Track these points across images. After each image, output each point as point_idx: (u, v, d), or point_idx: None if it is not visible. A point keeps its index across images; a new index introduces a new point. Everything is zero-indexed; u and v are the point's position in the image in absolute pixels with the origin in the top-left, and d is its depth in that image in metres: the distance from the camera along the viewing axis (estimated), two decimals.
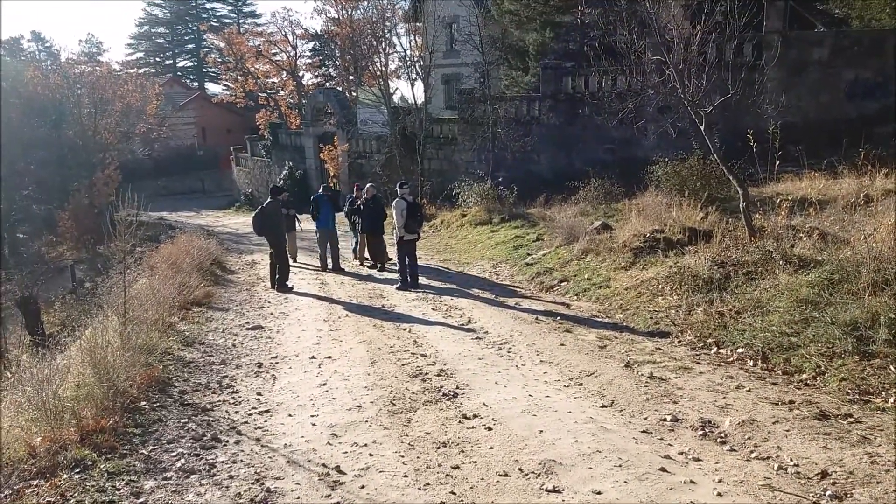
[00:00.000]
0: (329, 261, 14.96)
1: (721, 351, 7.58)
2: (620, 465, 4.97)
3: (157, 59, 68.25)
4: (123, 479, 5.03)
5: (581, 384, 6.87)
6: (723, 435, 5.43)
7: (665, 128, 14.00)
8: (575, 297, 10.87)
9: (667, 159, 14.62)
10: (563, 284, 11.69)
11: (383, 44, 25.56)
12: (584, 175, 16.71)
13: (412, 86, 23.49)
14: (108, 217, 25.92)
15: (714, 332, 7.99)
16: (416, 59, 24.17)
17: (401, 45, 26.58)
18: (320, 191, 15.50)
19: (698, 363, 7.25)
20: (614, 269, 11.30)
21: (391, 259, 14.51)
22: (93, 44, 39.34)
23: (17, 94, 30.26)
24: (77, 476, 5.03)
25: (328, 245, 14.95)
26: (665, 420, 5.78)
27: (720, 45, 13.01)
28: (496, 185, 18.21)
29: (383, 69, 25.37)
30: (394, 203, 12.56)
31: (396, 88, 34.16)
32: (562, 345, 8.28)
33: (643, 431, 5.59)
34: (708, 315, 8.39)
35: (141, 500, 4.74)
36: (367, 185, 15.41)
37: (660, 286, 9.84)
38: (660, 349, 7.85)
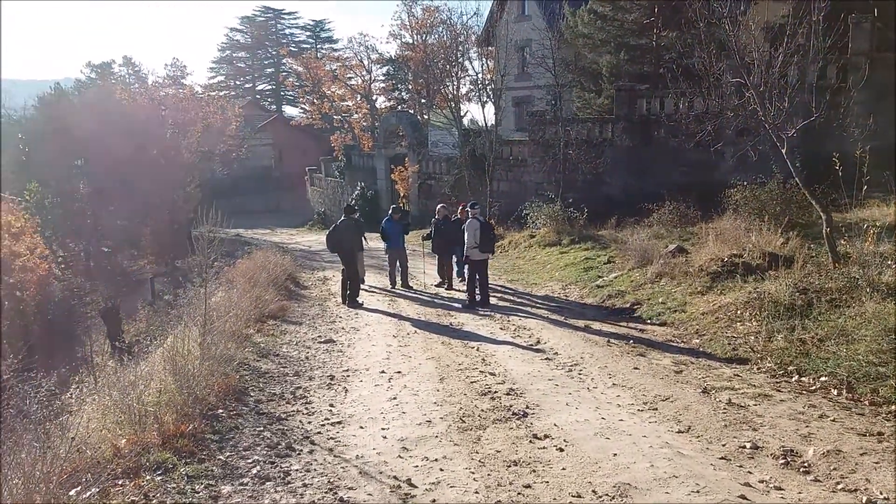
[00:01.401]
0: (398, 278, 15.15)
1: (803, 379, 7.27)
2: (698, 491, 4.80)
3: (238, 83, 71.02)
4: (202, 483, 5.17)
5: (656, 409, 6.71)
6: (806, 464, 5.20)
7: (744, 151, 13.63)
8: (648, 321, 10.65)
9: (745, 183, 14.20)
10: (635, 308, 11.48)
11: (456, 68, 25.88)
12: (657, 198, 16.41)
13: (483, 108, 23.66)
14: (188, 233, 26.96)
15: (795, 359, 7.68)
16: (487, 82, 24.36)
17: (472, 68, 26.87)
18: (389, 212, 15.65)
19: (779, 391, 6.97)
20: (690, 294, 11.04)
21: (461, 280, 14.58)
22: (178, 67, 41.24)
23: (109, 115, 31.95)
24: (159, 478, 5.20)
25: (397, 263, 15.14)
26: (744, 447, 5.57)
27: (802, 67, 12.62)
28: (566, 207, 18.08)
29: (455, 92, 25.66)
30: (467, 223, 12.67)
31: (467, 111, 34.50)
32: (635, 368, 8.11)
33: (721, 458, 5.41)
34: (789, 342, 8.07)
35: (219, 503, 4.86)
36: (439, 205, 15.59)
37: (738, 312, 9.54)
38: (738, 375, 7.60)
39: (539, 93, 26.24)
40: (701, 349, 8.86)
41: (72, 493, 4.76)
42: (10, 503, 4.01)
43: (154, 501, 4.87)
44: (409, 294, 14.44)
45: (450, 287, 14.53)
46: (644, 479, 5.06)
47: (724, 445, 5.68)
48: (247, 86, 70.74)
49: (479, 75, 25.37)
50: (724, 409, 6.53)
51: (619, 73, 22.62)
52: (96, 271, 29.50)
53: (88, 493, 4.88)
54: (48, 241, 27.38)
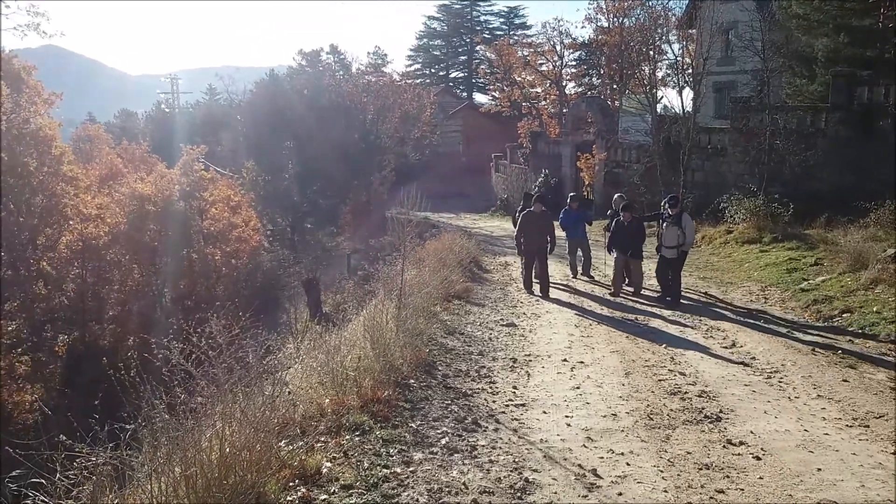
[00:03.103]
0: (579, 268, 14.95)
1: None
2: None
3: (433, 70, 73.37)
4: (395, 448, 5.50)
5: (867, 426, 6.10)
6: None
7: None
8: (860, 331, 9.65)
9: None
10: (845, 315, 10.45)
11: (653, 51, 24.85)
12: (876, 196, 14.78)
13: (680, 93, 22.40)
14: (383, 213, 28.50)
15: None
16: (686, 66, 23.12)
17: (671, 51, 25.51)
18: (569, 201, 15.27)
19: None
20: None
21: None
22: (379, 55, 43.56)
23: (316, 101, 34.55)
24: (357, 438, 5.61)
25: (578, 252, 14.91)
26: None
27: None
28: (770, 202, 16.77)
29: (650, 77, 24.66)
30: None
31: (662, 97, 32.96)
32: (844, 381, 7.40)
33: None
34: None
35: (411, 468, 5.14)
36: (616, 196, 14.77)
37: None
38: None
39: (744, 78, 24.51)
40: None
41: (283, 443, 5.28)
42: (230, 447, 4.50)
43: (353, 459, 5.25)
44: (591, 285, 14.20)
45: (636, 293, 13.08)
46: (853, 498, 4.66)
47: None
48: (441, 73, 72.87)
49: (679, 59, 24.16)
50: None
51: (836, 57, 20.46)
52: (300, 245, 32.19)
53: (296, 446, 5.38)
54: (260, 215, 30.19)
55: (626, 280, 13.36)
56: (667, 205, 12.30)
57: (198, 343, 4.78)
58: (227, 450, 4.31)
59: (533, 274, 13.51)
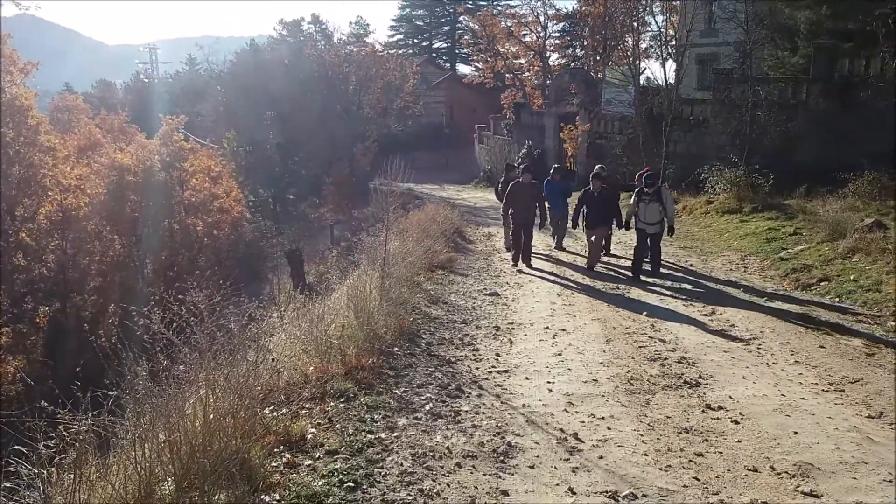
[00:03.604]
0: (555, 239, 15.00)
1: None
2: (891, 481, 4.44)
3: (416, 41, 72.55)
4: (380, 413, 5.54)
5: (843, 391, 6.24)
6: None
7: None
8: (837, 299, 9.82)
9: None
10: (823, 284, 10.62)
11: (637, 22, 24.74)
12: (855, 167, 14.93)
13: (663, 65, 22.41)
14: (366, 184, 28.35)
15: None
16: (670, 37, 23.08)
17: (655, 23, 25.43)
18: (552, 172, 15.19)
19: None
20: (887, 273, 10.07)
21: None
22: (361, 25, 42.95)
23: (298, 71, 34.11)
24: (342, 405, 5.64)
25: (557, 224, 14.91)
26: None
27: None
28: (750, 172, 16.88)
29: (634, 48, 24.57)
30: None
31: (645, 68, 32.95)
32: (821, 347, 7.55)
33: None
34: None
35: (395, 434, 5.19)
36: (596, 167, 14.08)
37: None
38: None
39: (726, 50, 24.48)
40: None
41: (267, 410, 5.30)
42: (214, 413, 4.51)
43: (337, 425, 5.28)
44: (574, 256, 14.27)
45: (591, 265, 12.68)
46: (828, 461, 4.76)
47: None
48: (423, 44, 72.10)
49: (662, 30, 24.08)
50: None
51: (818, 30, 20.48)
52: (282, 216, 32.01)
53: (280, 413, 5.41)
54: (241, 186, 29.91)
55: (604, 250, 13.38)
56: (644, 182, 11.87)
57: (179, 311, 4.76)
58: (211, 416, 4.31)
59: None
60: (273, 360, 5.64)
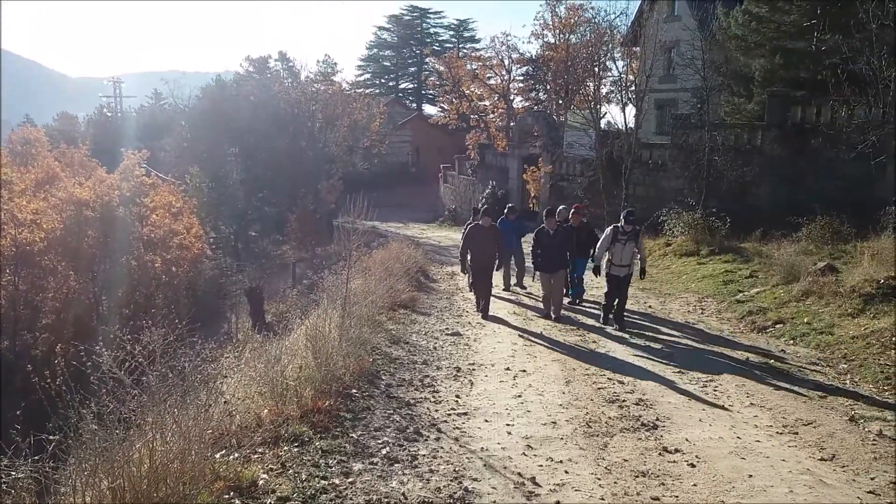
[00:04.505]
0: (512, 279, 15.04)
1: None
2: None
3: (382, 81, 73.37)
4: (335, 458, 5.43)
5: (797, 433, 6.33)
6: None
7: None
8: (791, 342, 10.01)
9: None
10: (777, 326, 10.82)
11: (598, 67, 25.39)
12: (808, 211, 15.34)
13: (623, 109, 23.00)
14: (330, 222, 28.23)
15: None
16: (630, 83, 23.69)
17: (616, 68, 26.11)
18: (506, 212, 15.23)
19: None
20: (839, 316, 10.28)
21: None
22: (329, 64, 43.18)
23: (263, 108, 34.12)
24: (296, 449, 5.52)
25: (512, 263, 14.82)
26: None
27: None
28: (707, 216, 17.27)
29: (595, 93, 25.19)
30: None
31: (606, 112, 33.75)
32: (776, 389, 7.66)
33: (870, 492, 5.02)
34: None
35: (350, 479, 5.09)
36: (560, 207, 13.75)
37: (893, 338, 8.78)
38: (890, 406, 6.98)
39: (684, 95, 25.21)
40: (849, 375, 8.22)
41: (218, 455, 5.15)
42: (161, 457, 4.37)
43: (290, 471, 5.15)
44: (534, 297, 14.31)
45: (556, 317, 11.84)
46: None
47: (872, 479, 5.26)
48: (390, 84, 72.95)
49: (622, 76, 24.76)
50: (874, 440, 6.05)
51: (772, 77, 21.28)
52: (244, 253, 31.61)
53: (232, 457, 5.27)
54: (203, 222, 29.50)
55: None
56: (624, 219, 10.89)
57: (132, 350, 4.64)
58: (158, 461, 4.18)
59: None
60: (225, 402, 5.52)
